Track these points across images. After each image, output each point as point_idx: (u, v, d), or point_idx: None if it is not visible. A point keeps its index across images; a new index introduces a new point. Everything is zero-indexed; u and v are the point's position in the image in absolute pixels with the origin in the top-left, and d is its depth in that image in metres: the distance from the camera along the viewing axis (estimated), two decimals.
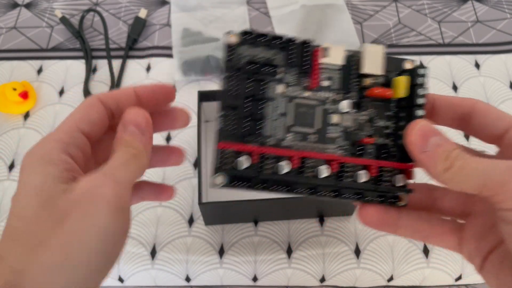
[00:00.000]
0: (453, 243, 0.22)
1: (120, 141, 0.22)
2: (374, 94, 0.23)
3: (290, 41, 0.24)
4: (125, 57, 0.47)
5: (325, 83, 0.24)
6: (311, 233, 0.37)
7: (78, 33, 0.48)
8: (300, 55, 0.24)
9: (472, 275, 0.36)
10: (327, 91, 0.24)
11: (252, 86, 0.23)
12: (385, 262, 0.36)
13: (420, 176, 0.23)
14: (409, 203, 0.23)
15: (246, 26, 0.49)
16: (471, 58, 0.46)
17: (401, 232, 0.23)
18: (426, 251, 0.36)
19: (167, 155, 0.26)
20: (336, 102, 0.24)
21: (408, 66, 0.23)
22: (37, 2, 0.53)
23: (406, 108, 0.23)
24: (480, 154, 0.22)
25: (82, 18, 0.49)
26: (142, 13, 0.49)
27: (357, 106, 0.24)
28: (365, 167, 0.23)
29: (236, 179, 0.22)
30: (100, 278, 0.19)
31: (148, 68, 0.46)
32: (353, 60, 0.24)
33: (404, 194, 0.23)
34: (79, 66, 0.47)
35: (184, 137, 0.42)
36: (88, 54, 0.47)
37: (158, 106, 0.24)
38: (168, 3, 0.51)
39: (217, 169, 0.22)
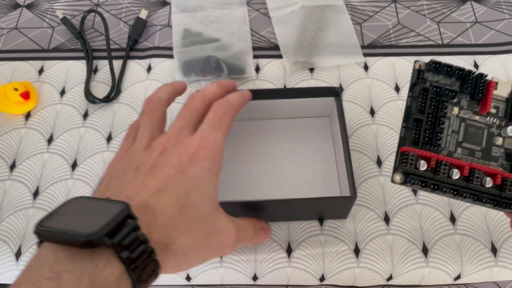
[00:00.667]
0: None
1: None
2: None
3: (469, 72, 0.28)
4: (126, 58, 0.47)
5: (492, 111, 0.28)
6: (310, 233, 0.37)
7: (79, 33, 0.48)
8: (475, 86, 0.28)
9: (471, 274, 0.36)
10: (493, 117, 0.28)
11: (434, 105, 0.27)
12: (384, 261, 0.36)
13: None
14: None
15: (246, 27, 0.49)
16: (470, 58, 0.46)
17: None
18: (425, 251, 0.36)
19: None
20: (500, 127, 0.28)
21: None
22: (38, 3, 0.53)
23: None
24: None
25: (83, 18, 0.49)
26: (143, 14, 0.49)
27: None
28: None
29: (414, 179, 0.26)
30: None
31: (149, 69, 0.46)
32: None
33: None
34: (80, 66, 0.47)
35: None
36: (89, 55, 0.47)
37: None
38: (168, 4, 0.52)
39: (397, 169, 0.26)
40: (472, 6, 0.50)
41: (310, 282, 0.37)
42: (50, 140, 0.43)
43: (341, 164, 0.37)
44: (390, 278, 0.37)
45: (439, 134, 0.27)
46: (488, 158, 0.27)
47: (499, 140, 0.28)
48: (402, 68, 0.45)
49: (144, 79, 0.46)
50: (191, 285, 0.38)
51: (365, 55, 0.46)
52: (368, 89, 0.44)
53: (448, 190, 0.26)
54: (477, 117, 0.28)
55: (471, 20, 0.49)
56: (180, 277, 0.37)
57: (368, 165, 0.40)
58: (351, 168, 0.34)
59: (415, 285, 0.38)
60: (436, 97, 0.27)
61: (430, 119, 0.27)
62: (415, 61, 0.28)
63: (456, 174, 0.26)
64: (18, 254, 0.37)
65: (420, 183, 0.26)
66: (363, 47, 0.47)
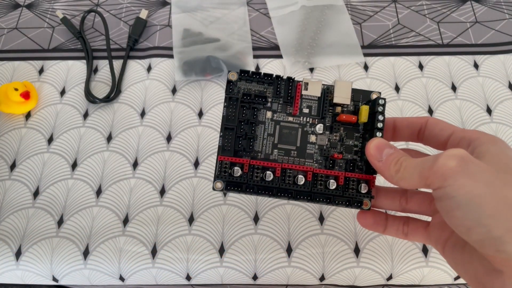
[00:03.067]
0: (424, 237, 0.28)
1: None
2: (342, 119, 0.29)
3: (278, 77, 0.29)
4: (126, 58, 0.47)
5: (305, 110, 0.29)
6: (311, 232, 0.37)
7: (79, 33, 0.48)
8: (286, 89, 0.29)
9: None
10: (306, 117, 0.29)
11: (247, 112, 0.28)
12: (384, 261, 0.36)
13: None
14: (390, 206, 0.29)
15: (246, 27, 0.49)
16: (470, 58, 0.46)
17: (388, 231, 0.29)
18: (425, 250, 0.36)
19: None
20: (313, 125, 0.29)
21: (373, 96, 0.29)
22: (38, 3, 0.53)
23: (369, 131, 0.28)
24: (424, 155, 0.28)
25: (83, 18, 0.49)
26: (143, 14, 0.49)
27: (330, 129, 0.29)
28: (335, 178, 0.28)
29: (231, 185, 0.28)
30: None
31: (149, 69, 0.46)
32: (328, 92, 0.29)
33: (367, 199, 0.28)
34: (80, 66, 0.47)
35: (185, 137, 0.42)
36: (89, 55, 0.47)
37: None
38: (168, 4, 0.52)
39: (217, 177, 0.28)
40: (472, 6, 0.50)
41: (310, 282, 0.37)
42: (50, 140, 0.43)
43: None
44: (390, 278, 0.37)
45: (251, 140, 0.28)
46: (304, 156, 0.29)
47: (313, 138, 0.29)
48: (402, 68, 0.45)
49: (144, 79, 0.46)
50: (191, 285, 0.38)
51: (365, 55, 0.46)
52: (368, 89, 0.44)
53: (265, 193, 0.28)
54: (290, 118, 0.29)
55: (471, 20, 0.49)
56: (180, 276, 0.37)
57: None
58: None
59: (415, 285, 0.38)
60: (248, 104, 0.29)
61: (242, 126, 0.28)
62: (229, 72, 0.29)
63: (269, 176, 0.28)
64: (18, 254, 0.37)
65: (237, 188, 0.28)
66: (363, 47, 0.47)
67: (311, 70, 0.46)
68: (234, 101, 0.28)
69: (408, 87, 0.44)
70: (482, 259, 0.22)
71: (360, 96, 0.30)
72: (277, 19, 0.50)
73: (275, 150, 0.29)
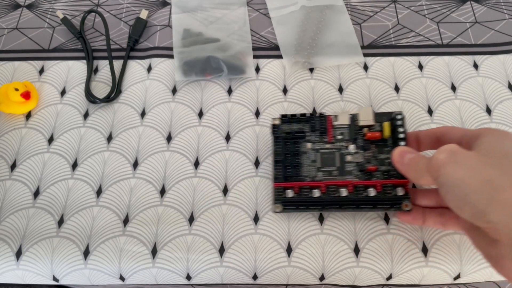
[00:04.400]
0: (458, 225, 0.32)
1: None
2: (368, 137, 0.35)
3: (311, 115, 0.37)
4: (126, 58, 0.47)
5: (339, 137, 0.36)
6: (310, 232, 0.37)
7: (79, 33, 0.48)
8: (319, 123, 0.37)
9: (471, 274, 0.36)
10: (341, 142, 0.36)
11: (291, 146, 0.36)
12: (384, 261, 0.36)
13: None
14: (428, 204, 0.33)
15: (246, 27, 0.49)
16: (469, 58, 0.46)
17: (427, 223, 0.34)
18: (425, 250, 0.36)
19: None
20: (347, 147, 0.36)
21: (394, 114, 0.35)
22: (38, 3, 0.53)
23: (395, 143, 0.34)
24: None
25: (83, 19, 0.49)
26: (143, 14, 0.50)
27: (363, 148, 0.35)
28: (373, 186, 0.33)
29: (287, 205, 0.35)
30: None
31: (149, 69, 0.47)
32: (355, 118, 0.36)
33: (407, 201, 0.33)
34: (80, 66, 0.47)
35: (185, 137, 0.42)
36: (89, 55, 0.47)
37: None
38: (168, 4, 0.52)
39: (276, 200, 0.35)
40: (472, 6, 0.50)
41: (310, 282, 0.37)
42: (50, 140, 0.43)
43: None
44: (389, 277, 0.37)
45: (297, 168, 0.35)
46: (344, 173, 0.35)
47: (349, 157, 0.35)
48: (402, 68, 0.46)
49: (144, 79, 0.46)
50: (191, 285, 0.39)
51: (365, 55, 0.46)
52: (368, 89, 0.44)
53: (315, 207, 0.34)
54: (327, 145, 0.36)
55: (471, 20, 0.49)
56: (180, 276, 0.37)
57: None
58: None
59: (415, 284, 0.38)
60: (291, 140, 0.36)
61: (288, 158, 0.35)
62: (272, 119, 0.37)
63: (316, 193, 0.34)
64: (18, 254, 0.37)
65: (293, 207, 0.34)
66: (363, 47, 0.47)
67: (311, 70, 0.46)
68: (280, 139, 0.36)
69: (407, 87, 0.44)
70: (484, 233, 0.26)
71: (384, 117, 0.36)
72: (277, 19, 0.50)
73: (319, 173, 0.35)
